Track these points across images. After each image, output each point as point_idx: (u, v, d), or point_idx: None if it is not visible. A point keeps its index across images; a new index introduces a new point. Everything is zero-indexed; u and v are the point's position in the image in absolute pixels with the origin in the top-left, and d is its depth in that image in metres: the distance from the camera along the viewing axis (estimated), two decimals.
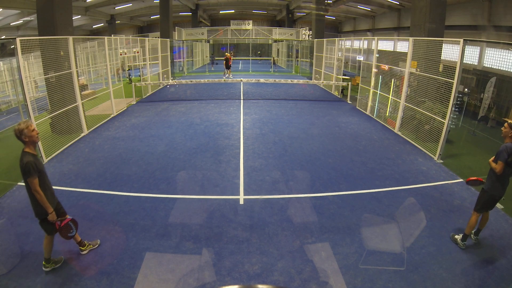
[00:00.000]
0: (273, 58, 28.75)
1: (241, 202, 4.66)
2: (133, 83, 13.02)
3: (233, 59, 19.41)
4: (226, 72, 18.67)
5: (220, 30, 25.15)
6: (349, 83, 12.62)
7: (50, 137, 6.74)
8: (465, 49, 5.85)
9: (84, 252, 3.51)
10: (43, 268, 3.23)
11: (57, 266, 3.29)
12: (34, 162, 2.98)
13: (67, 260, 3.41)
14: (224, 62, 18.87)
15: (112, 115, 9.64)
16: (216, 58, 29.98)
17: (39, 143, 5.91)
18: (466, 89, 10.65)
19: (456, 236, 3.82)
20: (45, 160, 6.04)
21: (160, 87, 15.32)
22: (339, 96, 13.52)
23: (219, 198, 4.76)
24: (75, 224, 3.32)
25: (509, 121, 3.71)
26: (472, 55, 12.96)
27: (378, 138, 7.74)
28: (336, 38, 14.52)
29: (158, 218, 4.20)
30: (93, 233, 3.86)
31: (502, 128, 3.76)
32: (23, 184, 5.11)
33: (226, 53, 21.59)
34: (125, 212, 4.34)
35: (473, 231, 3.86)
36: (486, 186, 3.69)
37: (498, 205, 4.60)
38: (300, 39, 24.46)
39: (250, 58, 28.62)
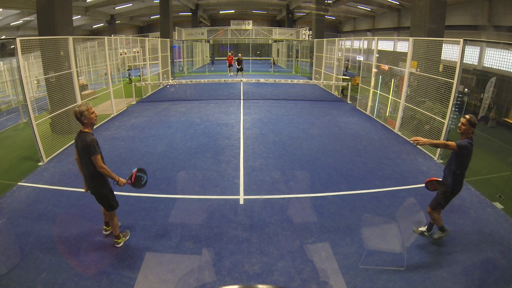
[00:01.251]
0: (273, 58, 28.64)
1: (241, 202, 4.66)
2: (133, 83, 13.02)
3: (235, 59, 19.13)
4: (237, 73, 18.15)
5: (220, 30, 25.15)
6: (349, 83, 12.63)
7: (50, 137, 6.74)
8: (465, 49, 5.85)
9: (119, 245, 3.63)
10: (116, 245, 3.60)
11: (127, 239, 3.68)
12: (97, 140, 3.21)
13: (67, 260, 3.41)
14: (236, 62, 18.18)
15: (112, 115, 9.64)
16: (216, 58, 29.97)
17: (39, 143, 5.93)
18: (466, 89, 10.64)
19: (435, 236, 3.85)
20: (45, 160, 6.05)
21: (160, 87, 15.32)
22: (339, 96, 13.52)
23: (219, 198, 4.76)
24: (143, 171, 3.58)
25: (467, 116, 3.70)
26: (472, 55, 12.95)
27: (378, 138, 7.74)
28: (336, 38, 14.52)
29: (158, 218, 4.20)
30: (93, 233, 3.86)
31: (460, 125, 3.71)
32: (23, 184, 5.15)
33: (230, 53, 21.75)
34: (125, 212, 4.33)
35: (425, 227, 3.96)
36: (448, 182, 3.73)
37: (498, 205, 4.60)
38: (300, 39, 24.46)
39: (250, 58, 28.65)
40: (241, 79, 15.16)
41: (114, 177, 3.32)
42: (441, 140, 3.54)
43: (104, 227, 3.83)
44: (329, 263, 3.40)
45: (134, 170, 3.52)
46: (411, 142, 3.52)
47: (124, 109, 10.66)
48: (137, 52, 15.74)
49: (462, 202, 4.73)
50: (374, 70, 9.74)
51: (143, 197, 4.75)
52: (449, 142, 3.57)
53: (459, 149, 3.55)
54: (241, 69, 18.00)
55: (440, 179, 3.77)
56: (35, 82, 12.13)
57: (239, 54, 19.03)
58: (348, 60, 24.93)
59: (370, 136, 7.88)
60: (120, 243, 3.62)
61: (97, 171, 3.26)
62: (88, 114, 3.19)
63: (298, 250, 3.59)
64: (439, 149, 6.30)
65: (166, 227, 4.00)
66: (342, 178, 5.45)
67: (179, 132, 7.96)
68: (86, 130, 3.23)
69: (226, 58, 21.81)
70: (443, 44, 6.78)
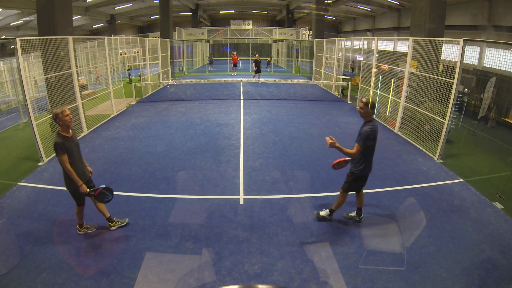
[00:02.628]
0: (269, 59, 27.38)
1: (241, 202, 4.66)
2: (133, 83, 13.02)
3: (252, 59, 18.77)
4: (255, 74, 17.32)
5: (220, 30, 25.15)
6: (349, 83, 12.63)
7: (50, 137, 6.73)
8: (465, 49, 5.85)
9: (113, 229, 3.87)
10: (78, 232, 3.82)
11: (90, 232, 3.85)
12: (62, 143, 3.35)
13: (67, 260, 3.41)
14: (254, 63, 17.47)
15: (112, 115, 9.64)
16: (215, 58, 29.95)
17: (39, 143, 5.92)
18: (466, 89, 10.65)
19: (322, 213, 4.13)
20: (45, 160, 6.05)
21: (160, 87, 15.32)
22: (339, 96, 13.52)
23: (219, 198, 4.76)
24: (110, 191, 3.65)
25: (364, 99, 3.74)
26: (472, 55, 12.95)
27: (378, 138, 7.72)
28: (336, 38, 14.53)
29: (158, 218, 4.20)
30: (93, 233, 3.86)
31: (359, 109, 3.79)
32: (23, 184, 5.15)
33: (234, 53, 21.86)
34: (125, 212, 4.34)
35: (355, 213, 4.14)
36: (353, 167, 3.86)
37: (498, 205, 4.60)
38: (300, 39, 24.46)
39: (250, 58, 28.64)
40: (258, 79, 14.96)
41: (77, 181, 3.45)
42: (348, 149, 3.64)
43: (109, 223, 3.92)
44: (329, 263, 3.40)
45: (102, 186, 3.60)
46: (327, 139, 3.61)
47: (124, 109, 10.66)
48: (137, 52, 15.73)
49: (462, 202, 4.73)
50: (374, 70, 9.73)
51: (143, 197, 4.75)
52: (354, 151, 3.68)
53: (365, 145, 3.66)
54: (258, 71, 17.12)
55: (347, 159, 3.95)
56: (33, 82, 12.12)
57: (256, 55, 18.44)
58: (353, 61, 24.85)
59: None
60: (81, 231, 3.83)
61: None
62: (62, 117, 3.34)
63: (298, 250, 3.59)
64: (439, 149, 6.30)
65: (166, 227, 4.00)
66: (342, 178, 5.42)
67: (179, 132, 7.96)
68: (60, 131, 3.40)
69: (231, 58, 22.04)
70: (443, 44, 6.78)
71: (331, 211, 4.12)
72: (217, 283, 3.12)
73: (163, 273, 3.24)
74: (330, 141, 3.56)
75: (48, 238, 3.76)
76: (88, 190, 3.53)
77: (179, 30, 21.96)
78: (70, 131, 3.52)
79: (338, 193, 4.95)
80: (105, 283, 3.10)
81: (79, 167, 3.60)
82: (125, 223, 3.98)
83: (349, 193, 4.00)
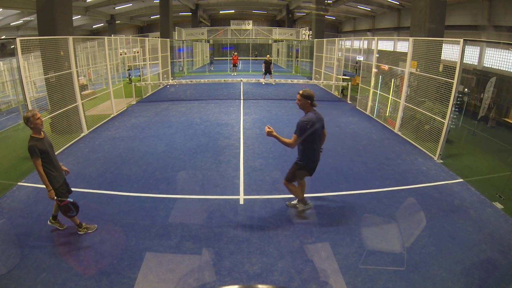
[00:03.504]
0: (266, 59, 27.16)
1: (241, 202, 4.66)
2: (133, 83, 13.02)
3: (263, 59, 18.44)
4: (265, 75, 16.54)
5: (220, 30, 25.16)
6: (349, 83, 12.62)
7: (50, 137, 6.72)
8: (465, 49, 5.85)
9: (81, 233, 3.82)
10: (48, 223, 3.88)
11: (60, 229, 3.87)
12: (36, 145, 3.38)
13: (67, 260, 3.41)
14: (264, 65, 16.64)
15: (112, 115, 9.64)
16: (216, 58, 30.01)
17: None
18: (466, 89, 10.64)
19: (293, 202, 4.28)
20: None
21: (160, 87, 15.32)
22: (339, 96, 13.52)
23: (219, 198, 4.76)
24: (75, 207, 3.59)
25: (300, 92, 3.82)
26: (472, 55, 12.95)
27: (378, 138, 7.74)
28: (336, 38, 14.53)
29: (158, 218, 4.20)
30: (93, 233, 3.86)
31: (297, 101, 3.88)
32: (23, 184, 5.15)
33: (234, 53, 21.84)
34: (125, 212, 4.34)
35: (296, 201, 4.32)
36: (298, 159, 3.97)
37: (498, 205, 4.60)
38: (300, 39, 24.46)
39: (250, 58, 28.67)
40: (267, 80, 14.74)
41: (47, 186, 3.46)
42: (285, 139, 3.72)
43: (78, 228, 3.84)
44: (329, 263, 3.40)
45: (70, 200, 3.56)
46: (266, 128, 3.67)
47: (124, 109, 10.66)
48: (137, 52, 15.73)
49: (462, 202, 4.73)
50: (374, 70, 9.73)
51: (143, 197, 4.75)
52: (291, 141, 3.75)
53: (302, 135, 3.72)
54: (269, 72, 16.47)
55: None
56: (33, 82, 12.12)
57: (267, 55, 17.86)
58: (357, 62, 24.70)
59: (370, 136, 7.88)
60: (53, 223, 3.88)
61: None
62: (33, 120, 3.40)
63: (298, 250, 3.59)
64: (439, 149, 6.30)
65: (166, 227, 4.00)
66: (342, 178, 5.45)
67: (179, 132, 7.96)
68: (33, 134, 3.45)
69: (231, 58, 22.07)
70: (443, 44, 6.78)
71: (299, 200, 4.27)
72: (217, 283, 3.12)
73: (163, 273, 3.24)
74: (268, 129, 3.62)
75: (48, 238, 3.77)
76: (55, 197, 3.51)
77: (179, 30, 21.96)
78: (42, 133, 3.55)
79: (338, 193, 4.97)
80: (105, 283, 3.10)
81: (57, 167, 3.63)
82: (94, 229, 3.90)
83: (293, 182, 4.11)
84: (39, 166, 3.40)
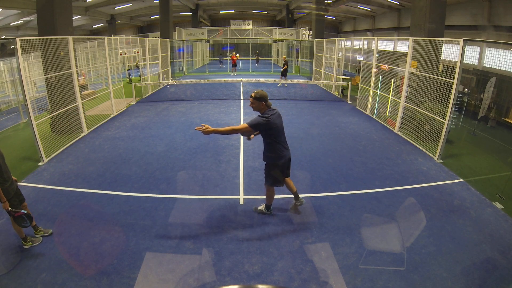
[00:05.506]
0: (257, 55, 29.47)
1: (241, 202, 4.66)
2: (133, 83, 13.02)
3: (272, 59, 18.34)
4: (281, 76, 15.80)
5: (220, 30, 25.16)
6: (349, 83, 12.62)
7: (50, 137, 6.74)
8: (465, 49, 5.85)
9: (26, 247, 3.59)
10: (24, 246, 3.57)
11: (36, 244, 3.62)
12: None
13: (67, 260, 3.41)
14: (285, 67, 15.87)
15: (112, 115, 9.64)
16: (215, 58, 30.19)
17: (39, 143, 5.93)
18: (466, 89, 10.64)
19: (260, 208, 4.24)
20: (45, 160, 6.05)
21: (160, 87, 15.32)
22: (339, 96, 13.52)
23: (219, 198, 4.76)
24: (30, 219, 3.46)
25: (253, 94, 3.80)
26: (472, 55, 12.95)
27: (378, 138, 7.74)
28: (336, 38, 14.52)
29: (158, 218, 4.20)
30: (93, 233, 3.86)
31: (250, 105, 3.85)
32: (23, 184, 5.14)
33: (234, 53, 21.90)
34: (125, 212, 4.34)
35: (263, 206, 4.26)
36: (265, 159, 3.93)
37: (498, 205, 4.60)
38: (300, 39, 24.46)
39: (250, 58, 28.73)
40: (282, 82, 14.59)
41: (1, 198, 3.29)
42: (227, 127, 3.64)
43: (23, 242, 3.64)
44: (329, 263, 3.40)
45: (23, 211, 3.43)
46: (198, 128, 3.50)
47: (124, 109, 10.66)
48: (137, 52, 15.73)
49: (462, 202, 4.73)
50: (374, 70, 9.73)
51: (143, 197, 4.75)
52: (238, 126, 3.68)
53: (254, 128, 3.67)
54: (284, 73, 15.58)
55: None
56: (32, 83, 12.12)
57: (284, 56, 17.39)
58: (359, 62, 24.69)
59: (370, 136, 7.88)
60: (26, 245, 3.60)
61: None
62: None
63: (298, 250, 3.59)
64: (439, 149, 6.30)
65: (166, 227, 4.00)
66: (342, 178, 5.45)
67: (179, 132, 7.96)
68: None
69: (230, 58, 22.16)
70: (443, 44, 6.78)
71: (268, 206, 4.25)
72: (217, 283, 3.12)
73: (163, 273, 3.24)
74: (202, 128, 3.44)
75: (48, 238, 3.76)
76: (10, 209, 3.36)
77: (179, 30, 21.96)
78: None
79: (338, 193, 4.97)
80: (105, 283, 3.10)
81: (8, 178, 3.46)
82: (48, 234, 3.81)
83: (272, 186, 4.06)
84: None
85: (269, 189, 4.09)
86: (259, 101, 3.78)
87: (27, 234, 3.65)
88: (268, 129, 3.74)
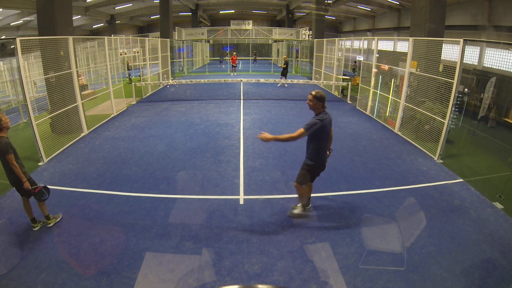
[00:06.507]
0: (255, 55, 30.11)
1: (241, 202, 4.66)
2: (133, 83, 13.02)
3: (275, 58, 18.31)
4: (281, 77, 15.57)
5: (220, 30, 25.17)
6: (349, 83, 12.62)
7: (50, 137, 6.74)
8: (465, 49, 5.85)
9: (50, 225, 4.00)
10: (33, 229, 3.93)
11: (45, 224, 4.01)
12: (10, 142, 3.69)
13: (67, 260, 3.41)
14: (285, 67, 15.56)
15: (112, 115, 9.64)
16: (215, 58, 30.31)
17: (39, 143, 5.93)
18: (466, 89, 10.64)
19: (295, 211, 4.19)
20: (45, 160, 6.05)
21: (160, 87, 15.32)
22: (339, 96, 13.52)
23: (219, 198, 4.76)
24: (47, 190, 3.93)
25: (313, 92, 3.83)
26: (472, 55, 12.95)
27: (378, 138, 7.74)
28: (336, 38, 14.52)
29: (158, 218, 4.20)
30: (93, 233, 3.87)
31: (308, 102, 3.88)
32: None
33: (233, 54, 21.93)
34: (125, 212, 4.34)
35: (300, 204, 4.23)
36: (308, 159, 3.93)
37: (498, 205, 4.60)
38: (300, 39, 24.46)
39: (250, 58, 28.78)
40: (282, 82, 14.54)
41: (22, 178, 3.71)
42: (285, 135, 3.69)
43: (32, 224, 3.97)
44: (329, 263, 3.40)
45: (41, 185, 3.88)
46: (259, 137, 3.61)
47: (124, 109, 10.66)
48: (137, 52, 15.73)
49: (462, 202, 4.73)
50: (374, 70, 9.73)
51: (143, 197, 4.75)
52: (295, 133, 3.68)
53: (309, 129, 3.68)
54: (284, 73, 15.44)
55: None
56: (32, 83, 12.12)
57: (284, 56, 17.30)
58: (355, 61, 24.77)
59: (370, 136, 7.88)
60: (50, 223, 4.01)
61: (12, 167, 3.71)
62: (5, 120, 3.73)
63: (298, 250, 3.59)
64: (439, 149, 6.30)
65: (166, 227, 4.00)
66: (342, 178, 5.45)
67: (179, 132, 7.96)
68: (1, 134, 3.71)
69: (230, 58, 22.18)
70: (443, 44, 6.78)
71: (303, 206, 4.20)
72: (217, 283, 3.12)
73: (163, 273, 3.24)
74: (262, 136, 3.56)
75: (48, 238, 3.77)
76: (30, 187, 3.77)
77: (179, 30, 21.96)
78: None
79: (338, 193, 4.97)
80: (105, 283, 3.10)
81: (22, 164, 3.84)
82: (59, 218, 4.15)
83: (302, 185, 4.04)
84: (13, 160, 3.64)
85: (300, 188, 4.05)
86: (318, 101, 3.80)
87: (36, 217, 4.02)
88: (319, 131, 3.73)
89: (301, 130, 3.67)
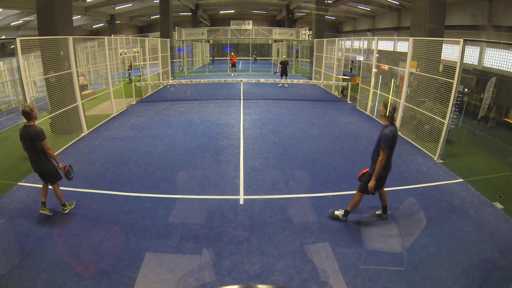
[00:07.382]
0: (255, 56, 30.33)
1: (241, 202, 4.66)
2: (133, 83, 13.02)
3: (275, 58, 18.16)
4: (282, 77, 15.32)
5: (220, 30, 25.16)
6: (349, 83, 12.62)
7: (50, 137, 6.73)
8: (465, 49, 5.84)
9: (66, 211, 4.31)
10: (63, 212, 4.29)
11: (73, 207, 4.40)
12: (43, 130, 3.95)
13: (67, 260, 3.41)
14: (281, 66, 15.60)
15: (112, 115, 9.64)
16: (216, 58, 30.37)
17: None
18: (466, 89, 10.64)
19: (337, 212, 4.17)
20: None
21: (160, 87, 15.31)
22: (339, 96, 13.52)
23: (219, 198, 4.76)
24: (72, 169, 4.39)
25: (385, 101, 3.94)
26: (472, 55, 12.95)
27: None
28: (336, 38, 14.52)
29: (158, 218, 4.20)
30: (93, 233, 3.87)
31: (381, 107, 4.07)
32: (23, 184, 5.15)
33: (233, 54, 21.90)
34: (125, 212, 4.34)
35: (381, 210, 4.23)
36: (372, 169, 3.94)
37: (498, 205, 4.60)
38: (300, 39, 24.46)
39: (250, 58, 28.80)
40: (285, 81, 14.60)
41: (56, 160, 4.09)
42: (376, 167, 3.82)
43: (42, 207, 4.20)
44: (329, 263, 3.40)
45: (68, 165, 4.33)
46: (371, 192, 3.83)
47: (124, 109, 10.66)
48: (137, 52, 15.73)
49: (462, 202, 4.73)
50: (374, 70, 9.73)
51: (143, 197, 4.75)
52: (380, 158, 3.80)
53: (389, 146, 3.81)
54: (284, 73, 15.29)
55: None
56: (32, 83, 12.12)
57: (283, 56, 17.40)
58: (352, 61, 24.86)
59: (370, 136, 7.88)
60: (66, 210, 4.31)
61: (44, 154, 3.97)
62: (35, 111, 4.05)
63: (298, 250, 3.59)
64: (439, 149, 6.30)
65: (166, 227, 4.00)
66: (342, 178, 5.45)
67: (179, 132, 7.96)
68: (32, 123, 3.94)
69: (229, 58, 22.14)
70: (443, 44, 6.78)
71: (346, 212, 4.13)
72: (217, 283, 3.12)
73: (163, 273, 3.24)
74: (371, 186, 3.76)
75: (48, 238, 3.77)
76: (62, 166, 4.16)
77: (179, 30, 21.96)
78: None
79: (338, 193, 4.97)
80: (105, 283, 3.10)
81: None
82: (73, 205, 4.45)
83: (364, 194, 4.00)
84: (48, 144, 3.93)
85: (359, 196, 4.04)
86: (389, 113, 3.96)
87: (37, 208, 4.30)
88: (392, 144, 3.83)
89: (385, 151, 3.78)
